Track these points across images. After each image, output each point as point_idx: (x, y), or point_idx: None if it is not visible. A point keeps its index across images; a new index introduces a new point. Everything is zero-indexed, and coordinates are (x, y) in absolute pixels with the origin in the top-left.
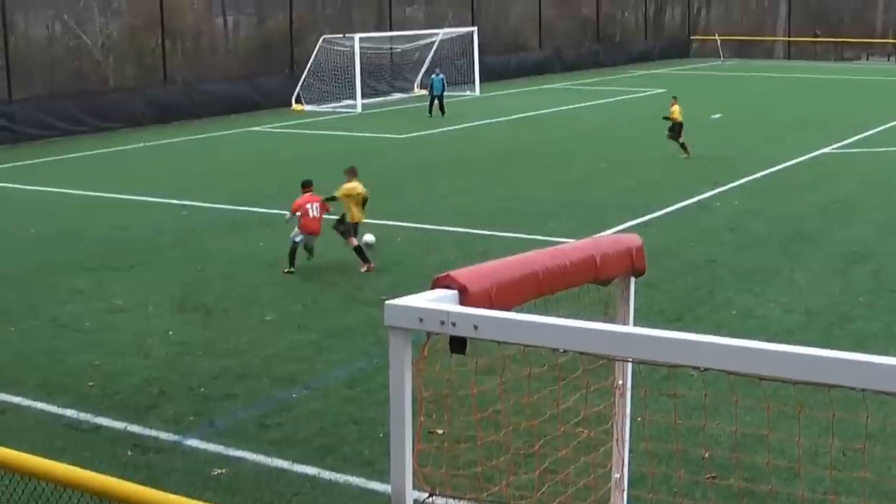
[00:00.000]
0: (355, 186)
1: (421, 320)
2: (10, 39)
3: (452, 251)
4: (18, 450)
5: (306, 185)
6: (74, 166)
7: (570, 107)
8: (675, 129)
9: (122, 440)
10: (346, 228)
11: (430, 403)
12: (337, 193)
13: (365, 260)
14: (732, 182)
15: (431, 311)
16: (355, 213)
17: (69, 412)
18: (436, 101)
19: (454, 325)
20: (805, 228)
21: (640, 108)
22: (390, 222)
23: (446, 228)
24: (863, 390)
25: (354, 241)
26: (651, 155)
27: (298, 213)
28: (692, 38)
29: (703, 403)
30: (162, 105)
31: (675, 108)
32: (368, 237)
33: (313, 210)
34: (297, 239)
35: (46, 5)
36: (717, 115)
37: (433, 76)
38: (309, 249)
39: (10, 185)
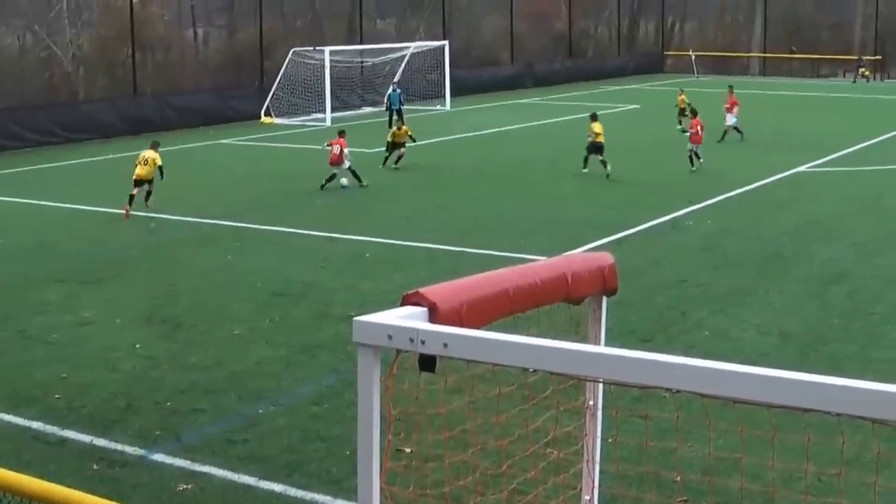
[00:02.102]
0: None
1: (390, 337)
2: None
3: (423, 267)
4: None
5: (342, 133)
6: (45, 178)
7: (543, 122)
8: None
9: (88, 454)
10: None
11: (399, 421)
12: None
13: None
14: (707, 200)
15: (400, 328)
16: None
17: (35, 424)
18: (394, 115)
19: (423, 342)
20: (780, 248)
21: (612, 124)
22: (360, 237)
23: (417, 244)
24: (838, 415)
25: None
26: (624, 172)
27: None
28: (666, 53)
29: (676, 426)
30: (132, 117)
31: (596, 125)
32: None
33: (335, 149)
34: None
35: (17, 15)
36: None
37: (390, 91)
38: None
39: None
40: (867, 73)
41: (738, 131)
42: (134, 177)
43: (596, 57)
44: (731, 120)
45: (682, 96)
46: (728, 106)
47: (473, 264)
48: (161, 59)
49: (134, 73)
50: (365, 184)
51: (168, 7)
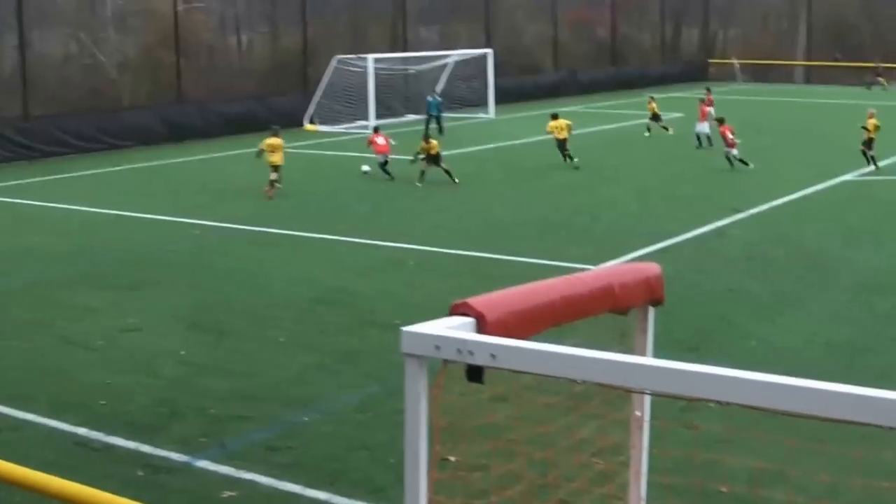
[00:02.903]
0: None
1: (437, 348)
2: (27, 57)
3: (466, 276)
4: (29, 467)
5: (376, 129)
6: (89, 184)
7: (587, 130)
8: None
9: (133, 460)
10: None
11: (445, 431)
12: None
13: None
14: (751, 209)
15: (448, 338)
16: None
17: (80, 430)
18: (431, 122)
19: (471, 353)
20: (825, 257)
21: (658, 132)
22: (404, 245)
23: (460, 252)
24: (891, 428)
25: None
26: (669, 180)
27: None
28: (709, 60)
29: (722, 436)
30: (176, 123)
31: None
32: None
33: (380, 140)
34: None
35: (62, 23)
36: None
37: (428, 98)
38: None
39: (26, 202)
40: (883, 81)
41: (710, 140)
42: (270, 163)
43: (639, 64)
44: (701, 127)
45: (653, 104)
46: (703, 113)
47: (517, 273)
48: (205, 65)
49: (178, 80)
50: (393, 178)
51: (212, 14)
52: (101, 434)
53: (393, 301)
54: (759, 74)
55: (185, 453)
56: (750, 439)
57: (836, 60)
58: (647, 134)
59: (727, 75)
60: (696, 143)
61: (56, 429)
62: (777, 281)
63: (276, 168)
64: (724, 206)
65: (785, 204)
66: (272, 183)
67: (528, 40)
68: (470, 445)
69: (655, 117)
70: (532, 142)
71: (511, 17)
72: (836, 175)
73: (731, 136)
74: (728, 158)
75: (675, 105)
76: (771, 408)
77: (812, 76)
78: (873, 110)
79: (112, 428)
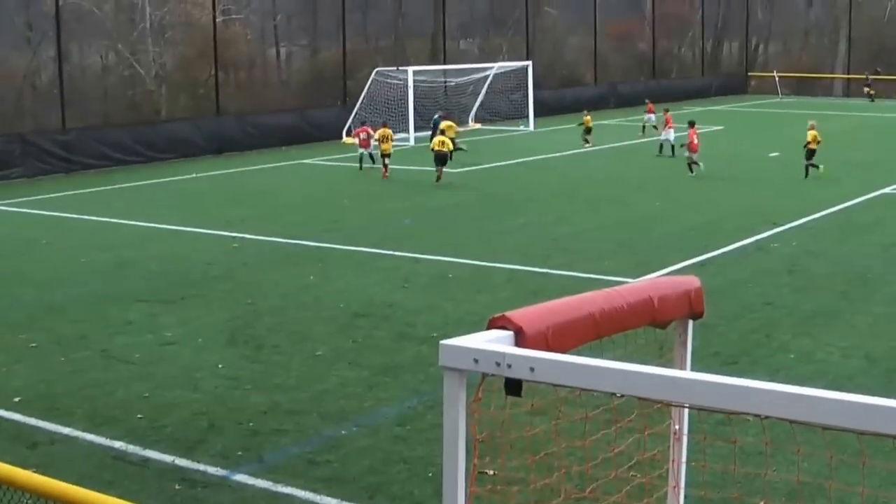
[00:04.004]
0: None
1: (476, 361)
2: (65, 69)
3: (505, 288)
4: (67, 481)
5: (364, 122)
6: (127, 196)
7: (626, 143)
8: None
9: (170, 474)
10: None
11: (483, 444)
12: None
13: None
14: (791, 222)
15: (487, 352)
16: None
17: (118, 444)
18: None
19: (510, 366)
20: (866, 271)
21: (699, 146)
22: (442, 258)
23: (499, 265)
24: None
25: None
26: (709, 194)
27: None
28: (750, 74)
29: (762, 449)
30: (215, 136)
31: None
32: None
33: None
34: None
35: (101, 35)
36: (775, 153)
37: (435, 117)
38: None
39: (64, 215)
40: (872, 91)
41: (672, 148)
42: (381, 152)
43: (680, 77)
44: (667, 135)
45: (588, 117)
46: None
47: (555, 286)
48: (244, 78)
49: (217, 92)
50: (377, 165)
51: (251, 26)
52: (138, 448)
53: (432, 314)
54: (800, 88)
55: (223, 467)
56: (789, 453)
57: (878, 74)
58: (586, 146)
59: (768, 88)
60: (660, 151)
61: (94, 442)
62: (816, 294)
63: (385, 155)
64: (764, 219)
65: (825, 217)
66: (385, 167)
67: (568, 53)
68: (508, 459)
69: (588, 131)
70: (571, 154)
71: (552, 31)
72: (878, 188)
73: (696, 140)
74: (689, 164)
75: (715, 118)
76: (810, 421)
77: (852, 90)
78: (813, 122)
79: (150, 442)
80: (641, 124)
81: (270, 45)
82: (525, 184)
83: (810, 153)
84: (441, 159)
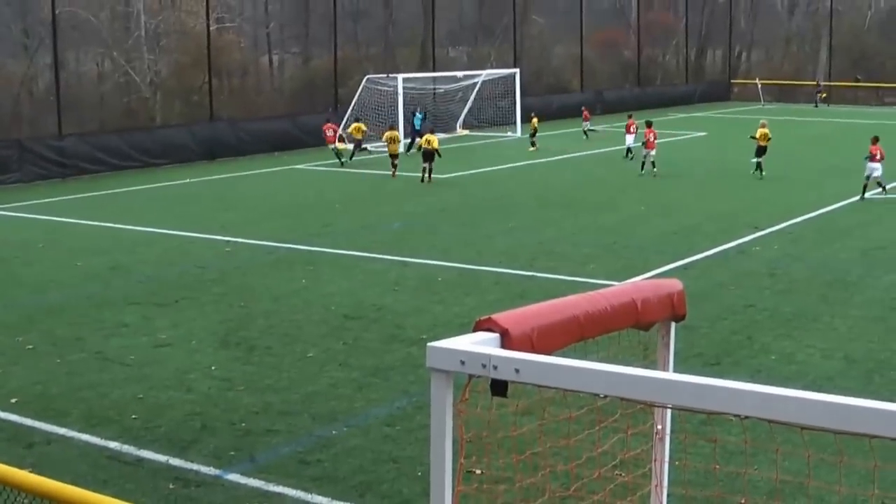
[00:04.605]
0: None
1: (462, 363)
2: (61, 75)
3: (492, 291)
4: (62, 480)
5: (328, 119)
6: (122, 201)
7: (612, 148)
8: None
9: (164, 473)
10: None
11: (469, 444)
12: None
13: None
14: (772, 227)
15: (473, 353)
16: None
17: (112, 444)
18: (416, 137)
19: (496, 368)
20: (845, 274)
21: (680, 150)
22: (431, 261)
23: (486, 269)
24: None
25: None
26: (691, 198)
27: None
28: (733, 81)
29: (743, 449)
30: (208, 142)
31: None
32: None
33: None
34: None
35: (97, 43)
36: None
37: (416, 113)
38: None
39: (61, 219)
40: (824, 95)
41: (630, 151)
42: (389, 153)
43: (664, 84)
44: (629, 141)
45: (534, 120)
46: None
47: (541, 288)
48: (237, 85)
49: (210, 99)
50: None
51: (244, 34)
52: (132, 448)
53: (421, 317)
54: (782, 95)
55: (216, 467)
56: (770, 452)
57: (857, 81)
58: (531, 149)
59: (751, 95)
60: (626, 155)
61: (89, 442)
62: (797, 297)
63: (394, 156)
64: (745, 223)
65: (805, 222)
66: (394, 167)
67: (555, 61)
68: (495, 458)
69: (534, 133)
70: (556, 160)
71: (539, 39)
72: (857, 193)
73: (653, 139)
74: (643, 160)
75: (698, 124)
76: (790, 422)
77: (833, 97)
78: (765, 121)
79: (144, 442)
80: (583, 129)
81: (263, 52)
82: (511, 189)
83: (760, 150)
84: (427, 156)
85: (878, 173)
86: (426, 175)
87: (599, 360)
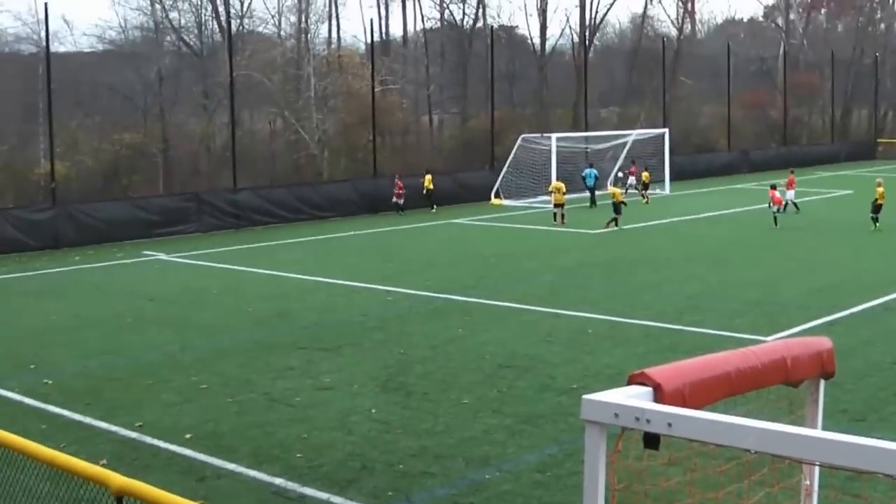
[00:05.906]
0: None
1: (616, 416)
2: (237, 134)
3: (640, 343)
4: None
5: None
6: (290, 251)
7: (758, 207)
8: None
9: None
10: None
11: (620, 493)
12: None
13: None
14: None
15: (627, 407)
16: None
17: (278, 481)
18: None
19: (648, 421)
20: None
21: (827, 209)
22: (581, 314)
23: (634, 321)
24: None
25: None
26: (838, 256)
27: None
28: (878, 140)
29: None
30: (371, 196)
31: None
32: None
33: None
34: None
35: (269, 103)
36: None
37: (587, 169)
38: None
39: (234, 267)
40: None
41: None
42: (555, 202)
43: (810, 144)
44: (790, 196)
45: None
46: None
47: (688, 342)
48: (399, 143)
49: (374, 156)
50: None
51: (407, 95)
52: (296, 485)
53: (572, 367)
54: None
55: None
56: None
57: None
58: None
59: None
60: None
61: (256, 478)
62: None
63: (560, 205)
64: (891, 280)
65: None
66: (562, 216)
67: (703, 121)
68: None
69: (646, 186)
70: (705, 217)
71: (687, 100)
72: None
73: (777, 195)
74: (774, 217)
75: (844, 182)
76: None
77: None
78: (881, 179)
79: (307, 479)
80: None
81: (424, 112)
82: (659, 244)
83: (877, 207)
84: (616, 208)
85: None
86: (613, 223)
87: (745, 414)
